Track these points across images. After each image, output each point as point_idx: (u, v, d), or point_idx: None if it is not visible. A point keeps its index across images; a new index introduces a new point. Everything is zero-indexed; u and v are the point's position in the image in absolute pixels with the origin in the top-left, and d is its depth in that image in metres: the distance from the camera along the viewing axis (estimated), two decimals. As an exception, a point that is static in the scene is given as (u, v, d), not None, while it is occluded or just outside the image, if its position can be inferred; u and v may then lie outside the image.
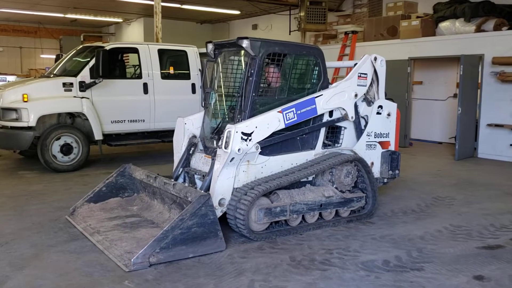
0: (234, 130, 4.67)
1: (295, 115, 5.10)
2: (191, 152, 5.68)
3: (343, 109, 5.59)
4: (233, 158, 4.73)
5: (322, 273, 4.00)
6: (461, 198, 6.70)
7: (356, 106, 5.78)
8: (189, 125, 5.74)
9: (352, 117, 5.66)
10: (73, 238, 4.76)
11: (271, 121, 4.93)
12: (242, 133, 4.71)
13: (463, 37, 10.61)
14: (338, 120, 5.65)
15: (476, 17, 10.53)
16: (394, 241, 4.84)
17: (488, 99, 10.14)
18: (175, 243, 4.14)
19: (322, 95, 5.36)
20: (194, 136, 5.73)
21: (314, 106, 5.28)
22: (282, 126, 5.02)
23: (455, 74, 11.83)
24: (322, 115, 5.51)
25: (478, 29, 10.41)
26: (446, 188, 7.32)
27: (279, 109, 5.00)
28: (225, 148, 4.69)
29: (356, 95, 5.67)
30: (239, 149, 4.69)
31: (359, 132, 5.86)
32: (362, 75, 5.74)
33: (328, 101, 5.41)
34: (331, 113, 5.59)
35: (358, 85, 5.69)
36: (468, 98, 10.03)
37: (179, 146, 5.75)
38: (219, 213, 4.66)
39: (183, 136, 5.72)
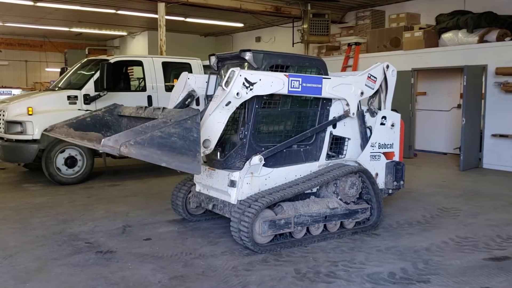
0: (238, 73, 4.61)
1: (300, 86, 5.04)
2: (186, 103, 5.62)
3: (347, 104, 5.55)
4: (229, 103, 4.66)
5: (327, 285, 3.97)
6: (466, 209, 6.65)
7: (363, 116, 5.81)
8: (191, 81, 5.66)
9: (353, 114, 5.61)
10: (77, 251, 4.75)
11: (275, 81, 4.86)
12: (245, 79, 4.66)
13: (466, 47, 10.61)
14: (340, 118, 5.60)
15: (479, 28, 10.55)
16: (400, 253, 4.81)
17: (492, 109, 10.12)
18: (152, 144, 3.97)
19: (330, 78, 5.34)
20: (194, 91, 5.67)
21: (320, 86, 5.22)
22: (285, 91, 4.95)
23: (459, 84, 11.81)
24: (328, 116, 5.50)
25: (481, 40, 10.42)
26: (451, 199, 7.27)
27: (286, 73, 4.97)
28: (225, 86, 4.62)
29: (362, 93, 5.64)
30: (237, 93, 4.63)
31: (365, 141, 5.84)
32: (372, 77, 5.75)
33: (334, 87, 5.36)
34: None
35: (366, 85, 5.69)
36: (472, 109, 10.02)
37: (176, 97, 5.68)
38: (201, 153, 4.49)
39: (183, 88, 5.65)
